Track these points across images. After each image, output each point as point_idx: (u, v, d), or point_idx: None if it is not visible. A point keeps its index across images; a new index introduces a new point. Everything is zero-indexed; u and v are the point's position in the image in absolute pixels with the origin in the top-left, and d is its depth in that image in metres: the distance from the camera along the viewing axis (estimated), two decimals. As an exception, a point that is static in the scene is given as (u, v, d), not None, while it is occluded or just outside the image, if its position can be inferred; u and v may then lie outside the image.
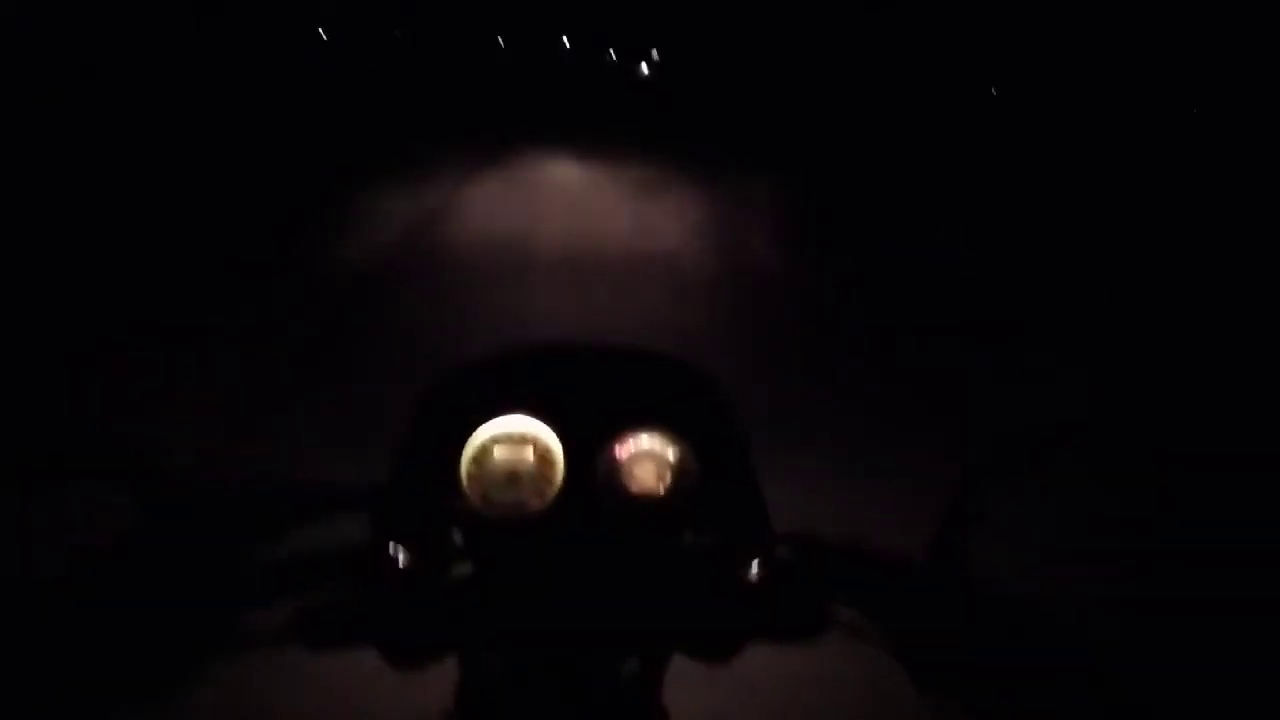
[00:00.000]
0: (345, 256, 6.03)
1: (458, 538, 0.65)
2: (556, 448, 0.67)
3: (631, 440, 0.68)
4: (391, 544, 0.61)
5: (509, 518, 0.65)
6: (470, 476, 0.65)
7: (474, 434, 0.66)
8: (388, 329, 4.60)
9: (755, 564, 0.64)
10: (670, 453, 0.68)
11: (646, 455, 0.67)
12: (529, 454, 0.66)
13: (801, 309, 5.30)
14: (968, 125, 10.89)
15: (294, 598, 0.61)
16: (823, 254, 6.81)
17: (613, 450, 0.67)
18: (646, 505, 0.67)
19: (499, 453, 0.66)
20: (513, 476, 0.65)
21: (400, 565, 0.61)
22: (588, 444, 0.67)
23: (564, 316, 4.94)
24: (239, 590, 0.60)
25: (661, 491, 0.67)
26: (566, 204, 8.37)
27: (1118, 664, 0.55)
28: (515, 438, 0.66)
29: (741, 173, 10.50)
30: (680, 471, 0.67)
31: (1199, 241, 7.09)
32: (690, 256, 6.47)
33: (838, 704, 1.86)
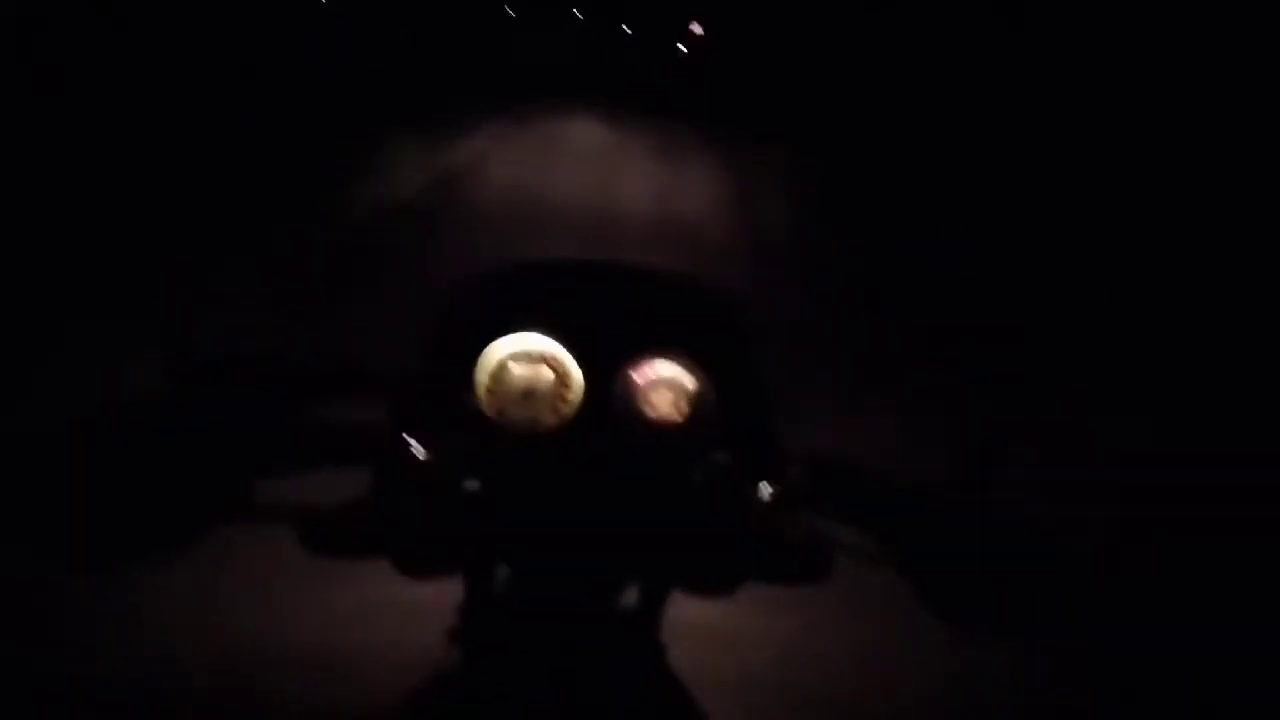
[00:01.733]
0: (373, 199, 6.06)
1: (472, 448, 0.64)
2: (575, 369, 0.66)
3: (651, 366, 0.67)
4: (409, 438, 0.61)
5: (523, 433, 0.65)
6: (487, 390, 0.65)
7: (492, 348, 0.66)
8: (408, 269, 4.65)
9: (766, 486, 0.63)
10: (689, 382, 0.67)
11: (665, 383, 0.67)
12: (546, 372, 0.65)
13: (819, 281, 5.28)
14: (985, 107, 10.79)
15: (311, 479, 0.61)
16: (841, 227, 6.77)
17: (631, 375, 0.67)
18: (662, 433, 0.66)
19: (516, 369, 0.65)
20: (529, 393, 0.65)
21: (418, 459, 0.60)
22: (608, 367, 0.67)
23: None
24: (258, 462, 0.60)
25: (678, 419, 0.66)
26: (588, 167, 8.32)
27: (1137, 590, 0.54)
28: (534, 355, 0.66)
29: (762, 144, 10.41)
30: (698, 402, 0.67)
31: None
32: (708, 226, 6.44)
33: (850, 631, 1.87)
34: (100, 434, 0.57)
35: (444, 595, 0.72)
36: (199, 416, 0.61)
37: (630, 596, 0.72)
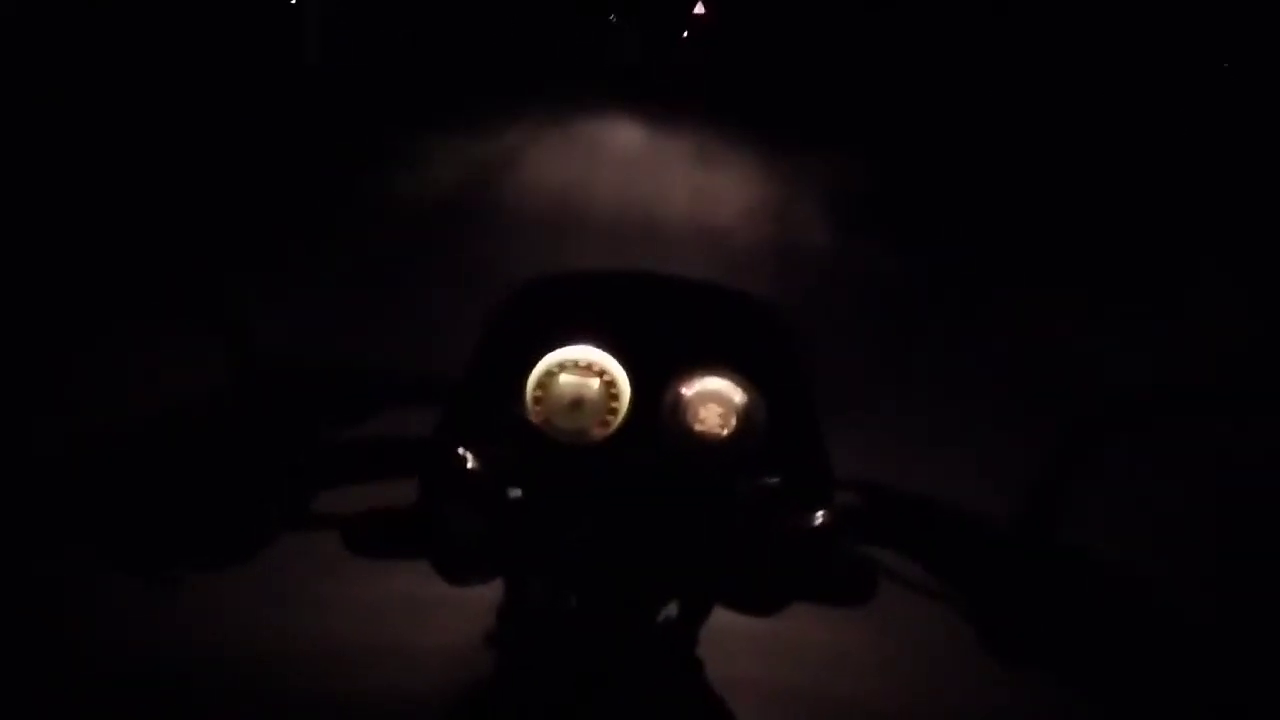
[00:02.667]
0: (409, 197, 6.11)
1: (518, 457, 0.64)
2: (623, 379, 0.66)
3: (699, 379, 0.67)
4: (460, 447, 0.61)
5: (570, 443, 0.65)
6: (535, 399, 0.65)
7: (542, 358, 0.66)
8: (445, 266, 4.68)
9: (815, 512, 0.62)
10: (737, 396, 0.66)
11: (713, 396, 0.66)
12: (594, 382, 0.65)
13: (856, 287, 5.24)
14: (1027, 97, 10.59)
15: (360, 487, 0.61)
16: (880, 232, 6.71)
17: (679, 388, 0.66)
18: (708, 447, 0.66)
19: (565, 378, 0.66)
20: (576, 402, 0.65)
21: (465, 467, 0.60)
22: (655, 378, 0.66)
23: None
24: (308, 471, 0.60)
25: (725, 434, 0.66)
26: (624, 167, 8.33)
27: (1203, 632, 0.52)
28: (582, 365, 0.66)
29: (799, 147, 10.35)
30: (746, 417, 0.66)
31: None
32: (744, 228, 6.42)
33: (894, 664, 1.84)
34: (159, 439, 0.58)
35: (485, 594, 0.72)
36: (256, 424, 0.61)
37: (670, 610, 0.72)
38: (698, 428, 0.66)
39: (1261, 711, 0.49)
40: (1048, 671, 0.56)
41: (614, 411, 0.65)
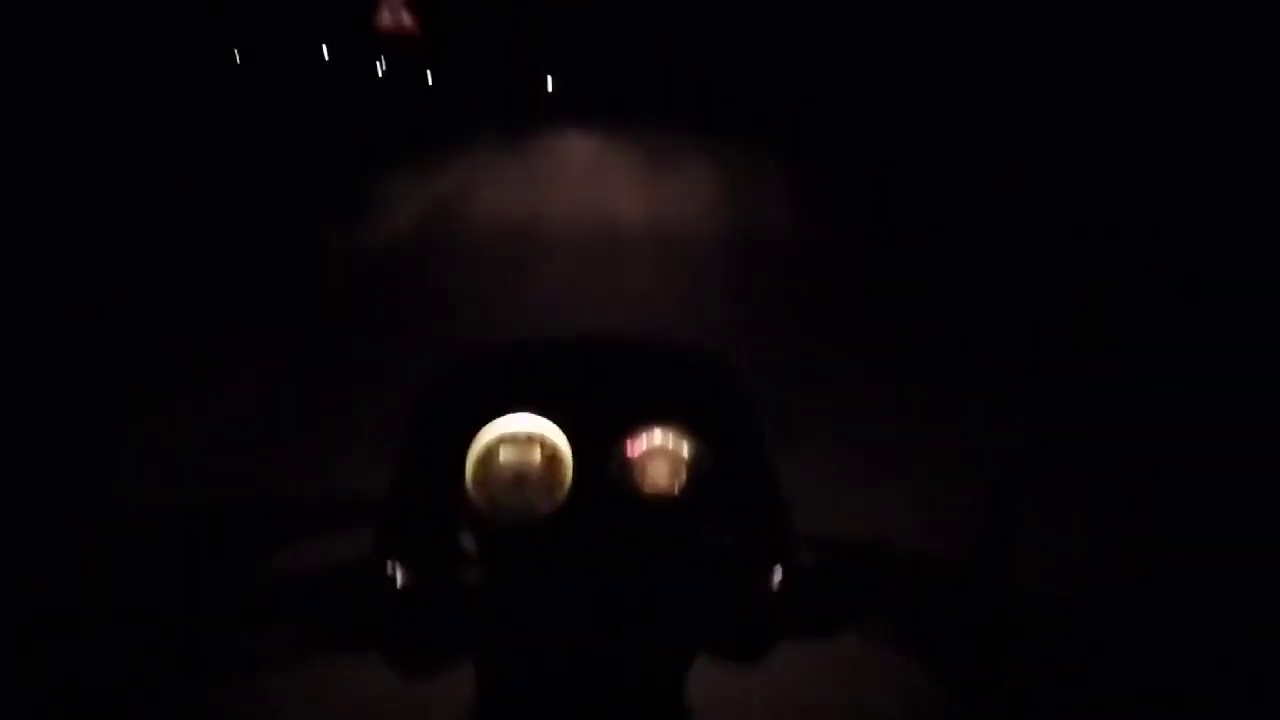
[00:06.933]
0: (356, 242, 6.03)
1: (467, 544, 0.62)
2: (564, 447, 0.64)
3: (644, 437, 0.65)
4: (389, 563, 0.58)
5: (518, 522, 0.63)
6: (476, 481, 0.63)
7: (478, 436, 0.64)
8: (398, 315, 4.60)
9: (778, 565, 0.61)
10: (684, 449, 0.65)
11: (659, 452, 0.65)
12: (535, 454, 0.63)
13: (819, 281, 5.24)
14: (980, 91, 10.67)
15: (297, 617, 0.58)
16: (839, 223, 6.73)
17: (624, 448, 0.65)
18: (660, 505, 0.64)
19: (504, 454, 0.63)
20: (519, 478, 0.63)
21: (400, 583, 0.57)
22: (598, 442, 0.65)
23: (577, 297, 4.91)
24: (240, 613, 0.57)
25: (675, 490, 0.64)
26: (576, 184, 8.31)
27: (1155, 666, 0.51)
28: (521, 438, 0.64)
29: (753, 143, 10.38)
30: (695, 469, 0.65)
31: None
32: (703, 231, 6.43)
33: (864, 712, 1.82)
34: (77, 610, 0.53)
35: (460, 674, 0.69)
36: (167, 570, 0.57)
37: (649, 670, 0.70)
38: (647, 489, 0.64)
39: None
40: (1003, 710, 0.55)
41: (559, 483, 0.63)
